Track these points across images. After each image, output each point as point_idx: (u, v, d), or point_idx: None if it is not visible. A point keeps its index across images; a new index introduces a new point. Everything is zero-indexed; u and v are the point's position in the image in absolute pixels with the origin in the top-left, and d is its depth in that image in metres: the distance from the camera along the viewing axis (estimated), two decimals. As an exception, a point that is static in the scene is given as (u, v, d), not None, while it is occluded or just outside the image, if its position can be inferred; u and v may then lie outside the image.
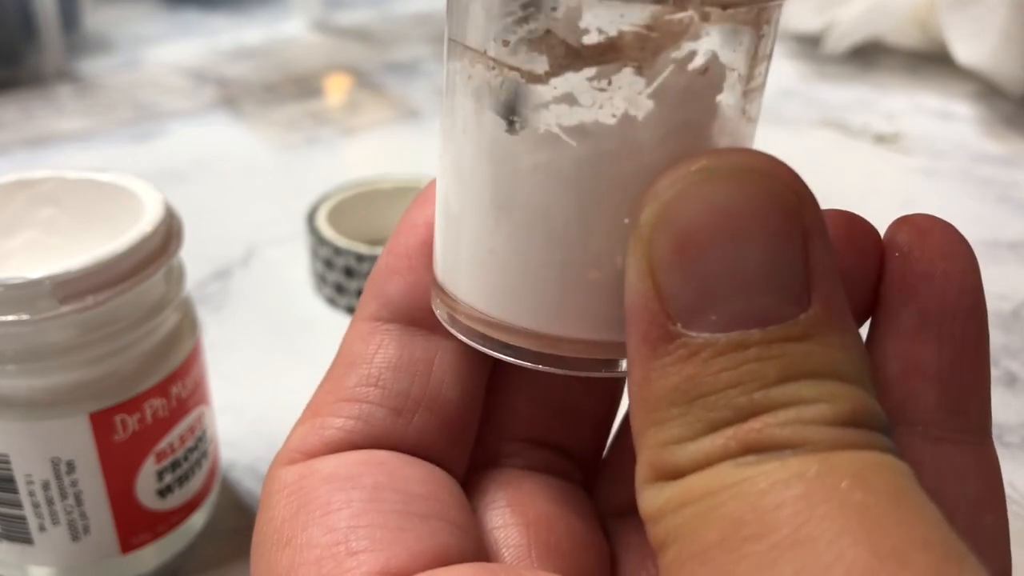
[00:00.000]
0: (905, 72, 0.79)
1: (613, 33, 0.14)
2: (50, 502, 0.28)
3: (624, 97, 0.14)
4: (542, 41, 0.14)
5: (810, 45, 0.82)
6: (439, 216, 0.18)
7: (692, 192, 0.13)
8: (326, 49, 0.87)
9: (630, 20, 0.14)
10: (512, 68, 0.14)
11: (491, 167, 0.16)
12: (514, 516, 0.19)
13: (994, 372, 0.44)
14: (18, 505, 0.28)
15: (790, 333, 0.13)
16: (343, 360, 0.20)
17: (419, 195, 0.20)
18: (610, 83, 0.14)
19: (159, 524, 0.30)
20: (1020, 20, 0.66)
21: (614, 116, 0.14)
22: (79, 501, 0.28)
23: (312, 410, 0.19)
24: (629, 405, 0.15)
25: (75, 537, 0.28)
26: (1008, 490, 0.37)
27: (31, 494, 0.27)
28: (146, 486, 0.29)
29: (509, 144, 0.15)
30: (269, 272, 0.52)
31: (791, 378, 0.13)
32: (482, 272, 0.17)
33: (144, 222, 0.28)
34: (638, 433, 0.14)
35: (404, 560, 0.16)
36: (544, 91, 0.14)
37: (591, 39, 0.14)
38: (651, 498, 0.14)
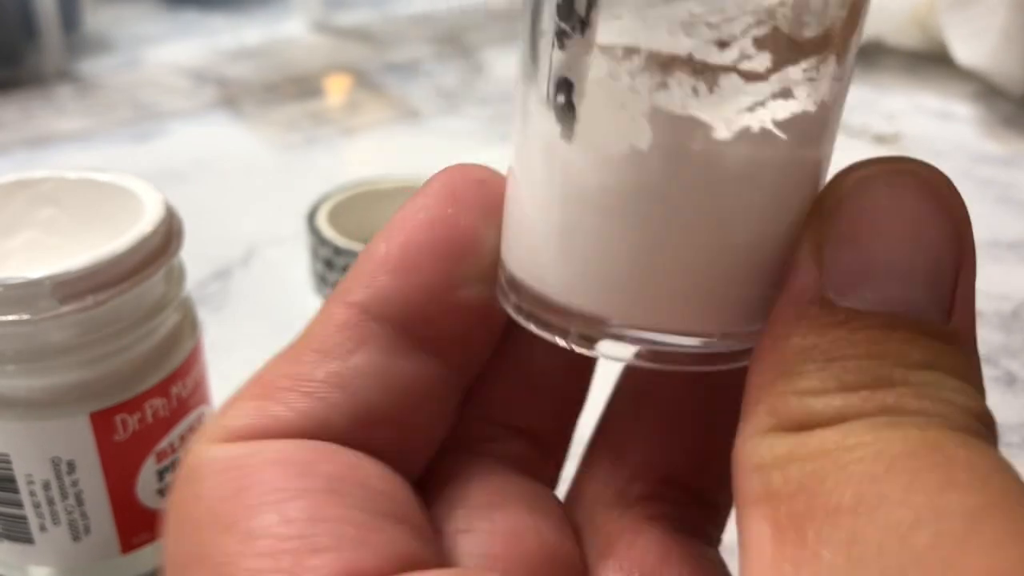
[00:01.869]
0: (905, 72, 0.78)
1: (828, 24, 0.14)
2: (51, 502, 0.28)
3: (826, 86, 0.15)
4: (767, 39, 0.14)
5: (810, 45, 0.82)
6: (559, 235, 0.17)
7: (884, 182, 0.15)
8: (326, 49, 0.87)
9: (836, 10, 0.14)
10: (727, 68, 0.14)
11: (692, 176, 0.15)
12: (479, 519, 0.18)
13: (994, 372, 0.44)
14: (19, 505, 0.28)
15: (940, 331, 0.14)
16: (313, 344, 0.17)
17: (426, 188, 0.19)
18: (818, 72, 0.15)
19: (160, 524, 0.30)
20: (1020, 20, 0.66)
21: (815, 105, 0.15)
22: (80, 501, 0.28)
23: (261, 389, 0.17)
24: (753, 361, 0.15)
25: (76, 537, 0.28)
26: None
27: (32, 494, 0.27)
28: (147, 486, 0.29)
29: (715, 148, 0.15)
30: (269, 272, 0.52)
31: (932, 367, 0.14)
32: (652, 285, 0.16)
33: (144, 222, 0.28)
34: (761, 385, 0.15)
35: (371, 565, 0.15)
36: (763, 87, 0.14)
37: (811, 32, 0.14)
38: (768, 447, 0.14)
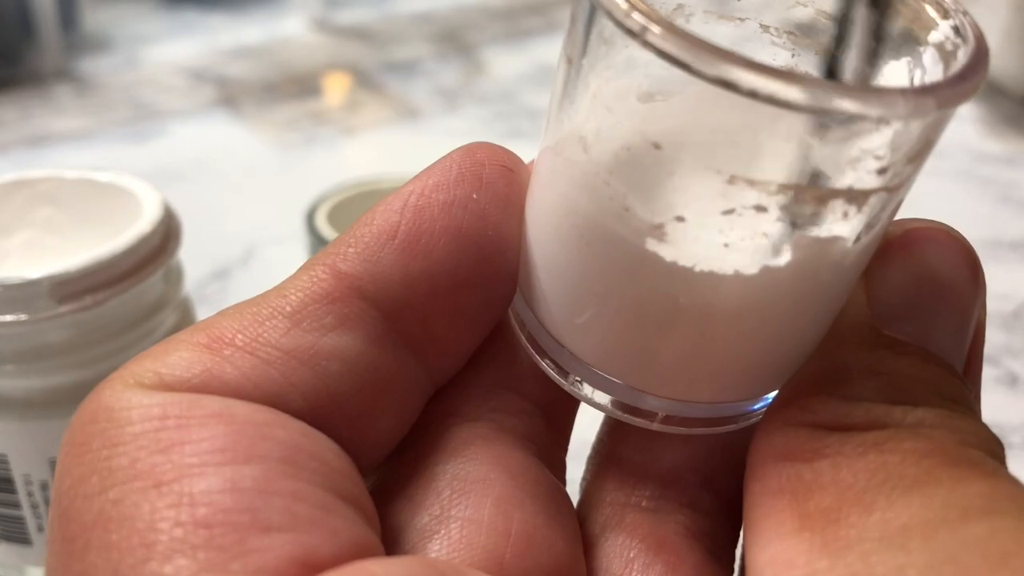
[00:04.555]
0: (906, 71, 0.78)
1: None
2: (48, 502, 0.27)
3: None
4: (916, 153, 0.14)
5: (810, 44, 0.82)
6: (614, 318, 0.16)
7: (932, 241, 0.16)
8: (326, 48, 0.87)
9: None
10: (878, 190, 0.14)
11: (817, 287, 0.15)
12: (480, 509, 0.15)
13: (995, 372, 0.44)
14: (16, 505, 0.28)
15: (963, 378, 0.15)
16: (286, 306, 0.15)
17: (446, 165, 0.16)
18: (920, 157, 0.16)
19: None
20: (1021, 19, 0.66)
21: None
22: (77, 502, 0.28)
23: (208, 340, 0.14)
24: (796, 374, 0.16)
25: (73, 538, 0.28)
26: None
27: (29, 495, 0.27)
28: (145, 487, 0.29)
29: (844, 255, 0.15)
30: (268, 272, 0.51)
31: (960, 403, 0.15)
32: (714, 375, 0.16)
33: (143, 222, 0.28)
34: (800, 386, 0.15)
35: (328, 551, 0.12)
36: (898, 193, 0.15)
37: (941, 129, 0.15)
38: (800, 440, 0.14)
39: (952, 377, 0.15)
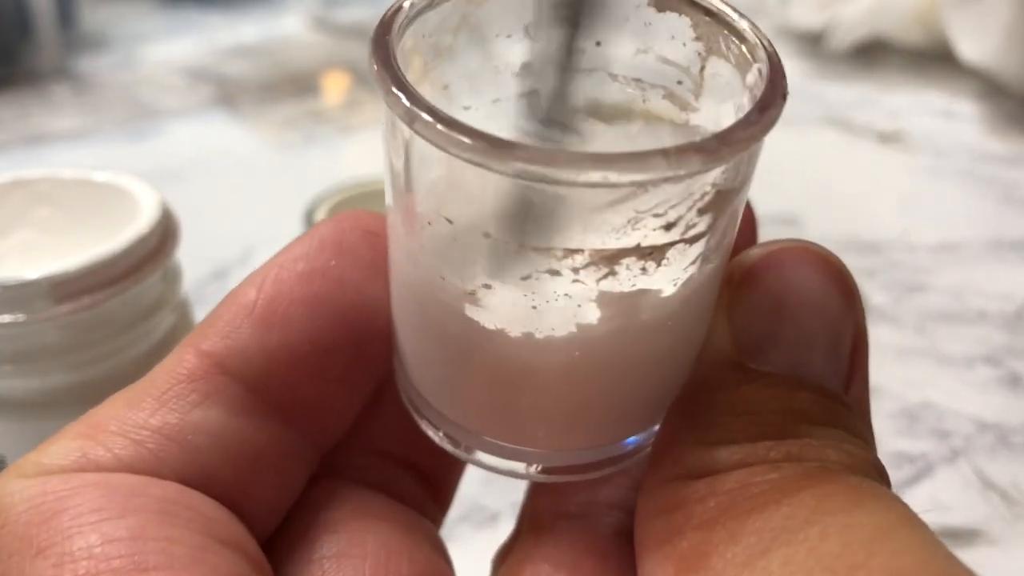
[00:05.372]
0: (908, 70, 0.78)
1: (753, 151, 0.15)
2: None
3: (741, 195, 0.16)
4: (710, 203, 0.14)
5: (812, 43, 0.82)
6: (474, 377, 0.16)
7: (790, 260, 0.16)
8: (324, 47, 0.86)
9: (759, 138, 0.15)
10: (674, 243, 0.14)
11: (638, 336, 0.15)
12: (351, 544, 0.16)
13: (997, 372, 0.44)
14: (13, 509, 0.27)
15: (838, 396, 0.15)
16: (154, 390, 0.16)
17: (310, 234, 0.17)
18: (740, 193, 0.15)
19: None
20: (1023, 19, 0.66)
21: (736, 218, 0.16)
22: (75, 505, 0.28)
23: (87, 429, 0.15)
24: (664, 420, 0.16)
25: (71, 541, 0.28)
26: (1013, 492, 0.36)
27: (27, 498, 0.27)
28: (144, 489, 0.29)
29: (660, 304, 0.15)
30: (267, 272, 0.51)
31: (832, 425, 0.15)
32: (580, 429, 0.17)
33: (141, 222, 0.28)
34: (669, 438, 0.15)
35: None
36: (705, 239, 0.15)
37: (746, 171, 0.15)
38: (671, 493, 0.15)
39: (823, 400, 0.15)
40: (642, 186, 0.13)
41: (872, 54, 0.80)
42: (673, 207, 0.14)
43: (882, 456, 0.15)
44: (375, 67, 0.14)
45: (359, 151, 0.68)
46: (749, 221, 0.18)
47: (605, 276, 0.14)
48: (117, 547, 0.13)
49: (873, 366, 0.16)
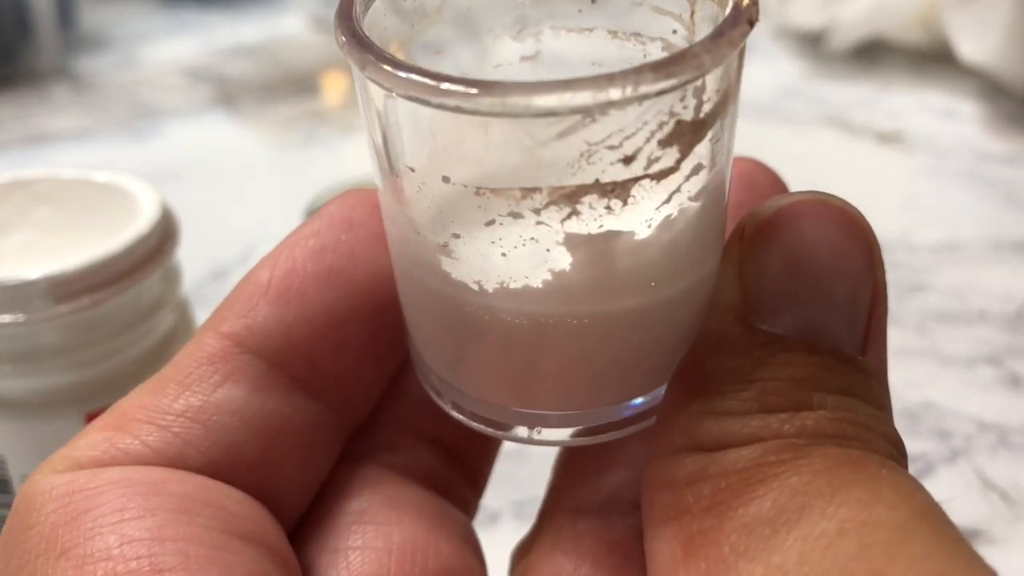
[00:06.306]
0: (908, 70, 0.78)
1: (727, 84, 0.14)
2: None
3: (728, 134, 0.15)
4: (672, 135, 0.14)
5: (812, 43, 0.82)
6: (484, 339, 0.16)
7: (806, 213, 0.15)
8: (324, 47, 0.86)
9: (734, 68, 0.14)
10: (637, 179, 0.14)
11: (620, 283, 0.15)
12: (377, 536, 0.16)
13: (998, 372, 0.44)
14: (13, 509, 0.27)
15: (855, 360, 0.15)
16: (177, 375, 0.16)
17: (320, 213, 0.17)
18: (722, 129, 0.15)
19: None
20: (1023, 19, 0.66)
21: (722, 159, 0.15)
22: (75, 505, 0.28)
23: (115, 420, 0.16)
24: (671, 382, 0.15)
25: (71, 541, 0.28)
26: (1013, 492, 0.36)
27: (26, 498, 0.27)
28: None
29: (638, 246, 0.15)
30: (267, 272, 0.51)
31: (849, 394, 0.14)
32: (586, 382, 0.16)
33: (140, 222, 0.28)
34: (677, 405, 0.15)
35: None
36: (676, 176, 0.14)
37: (711, 103, 0.14)
38: (679, 465, 0.14)
39: (838, 365, 0.14)
40: (586, 113, 0.13)
41: (872, 54, 0.80)
42: (628, 138, 0.13)
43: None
44: (335, 23, 0.14)
45: (359, 151, 0.68)
46: (775, 182, 0.18)
47: (568, 216, 0.14)
48: (135, 548, 0.14)
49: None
